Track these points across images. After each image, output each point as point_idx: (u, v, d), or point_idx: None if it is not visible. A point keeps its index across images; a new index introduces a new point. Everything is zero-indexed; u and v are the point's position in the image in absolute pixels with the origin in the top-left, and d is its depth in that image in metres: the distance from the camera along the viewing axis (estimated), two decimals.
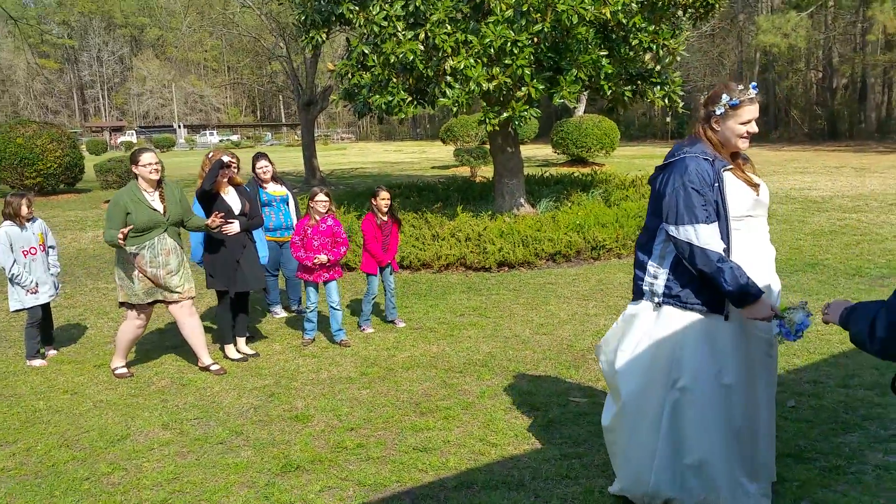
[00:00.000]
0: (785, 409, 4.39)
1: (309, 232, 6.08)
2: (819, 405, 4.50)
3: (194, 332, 5.63)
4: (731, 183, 3.09)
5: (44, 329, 6.17)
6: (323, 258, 6.05)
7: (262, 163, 7.06)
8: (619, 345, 3.36)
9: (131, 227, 5.20)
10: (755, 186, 3.12)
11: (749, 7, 48.63)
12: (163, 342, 6.50)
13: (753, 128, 3.10)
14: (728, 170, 3.10)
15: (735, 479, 3.13)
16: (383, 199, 6.43)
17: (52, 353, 6.20)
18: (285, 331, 6.77)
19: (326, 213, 6.13)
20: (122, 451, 4.26)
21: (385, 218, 6.51)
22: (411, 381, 5.24)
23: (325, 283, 6.17)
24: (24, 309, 5.96)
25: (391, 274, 6.65)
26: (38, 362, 5.93)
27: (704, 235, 3.02)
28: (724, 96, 3.07)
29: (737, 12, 49.04)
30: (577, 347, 5.87)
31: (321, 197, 6.09)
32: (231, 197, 6.00)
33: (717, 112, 3.11)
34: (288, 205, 7.15)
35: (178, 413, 4.81)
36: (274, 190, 7.09)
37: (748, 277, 2.96)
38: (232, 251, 5.89)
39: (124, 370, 5.61)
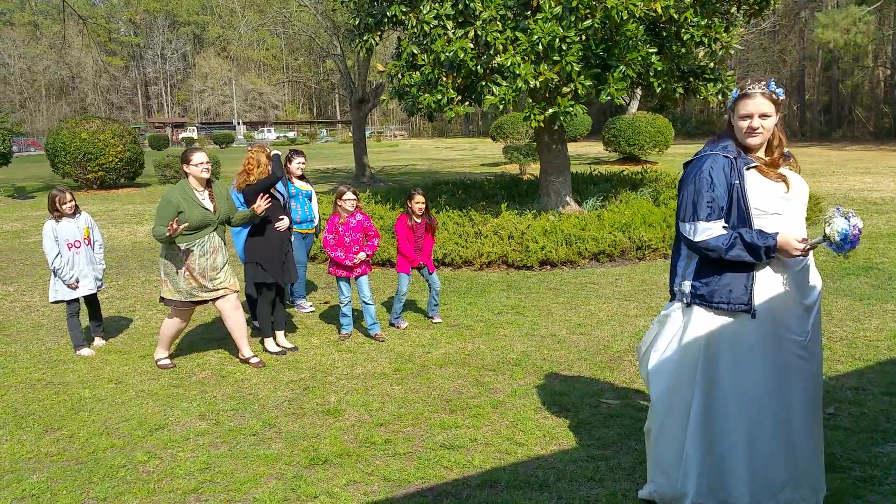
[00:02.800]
0: (823, 416, 4.26)
1: (341, 230, 6.17)
2: (860, 413, 4.37)
3: (238, 324, 5.74)
4: (754, 180, 3.02)
5: (92, 316, 6.38)
6: (363, 255, 6.14)
7: (299, 159, 7.30)
8: (652, 346, 3.37)
9: (186, 224, 5.30)
10: (784, 183, 3.04)
11: (812, 2, 47.17)
12: (207, 335, 6.66)
13: (755, 123, 3.00)
14: (752, 167, 3.03)
15: (759, 484, 3.06)
16: (418, 202, 6.45)
17: (101, 343, 6.40)
18: (323, 325, 6.86)
19: (354, 210, 6.22)
20: (160, 440, 4.39)
21: (419, 220, 6.54)
22: (444, 379, 5.26)
23: (357, 278, 6.24)
24: (60, 301, 6.15)
25: (430, 273, 6.66)
26: (86, 352, 6.12)
27: (701, 232, 3.03)
28: (735, 90, 3.06)
29: (799, 8, 47.63)
30: (613, 348, 5.81)
31: (349, 196, 6.18)
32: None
33: (729, 105, 3.12)
34: (311, 200, 7.39)
35: (215, 404, 4.93)
36: (301, 185, 7.31)
37: (756, 234, 2.94)
38: (281, 245, 6.04)
39: (167, 361, 5.77)
